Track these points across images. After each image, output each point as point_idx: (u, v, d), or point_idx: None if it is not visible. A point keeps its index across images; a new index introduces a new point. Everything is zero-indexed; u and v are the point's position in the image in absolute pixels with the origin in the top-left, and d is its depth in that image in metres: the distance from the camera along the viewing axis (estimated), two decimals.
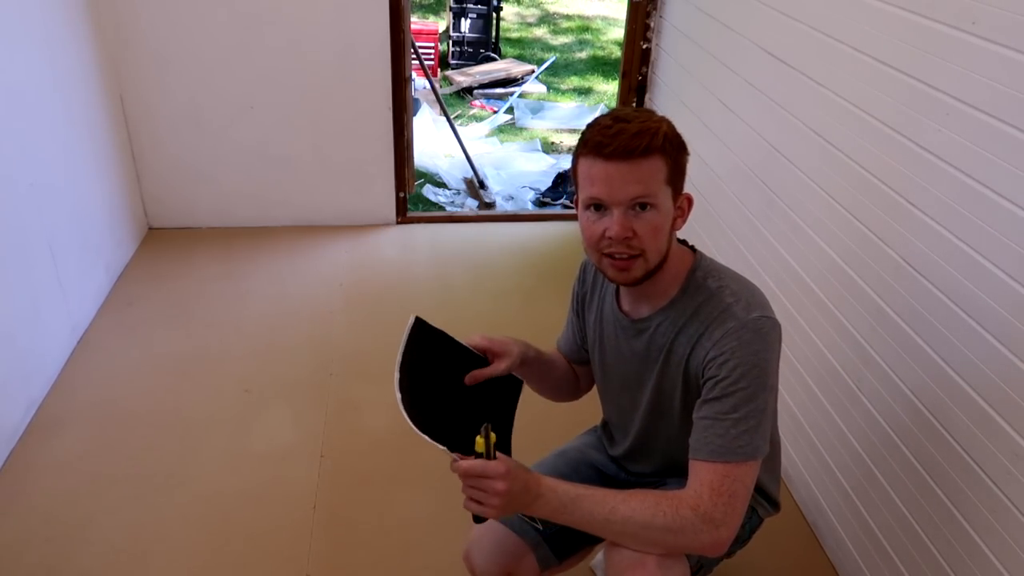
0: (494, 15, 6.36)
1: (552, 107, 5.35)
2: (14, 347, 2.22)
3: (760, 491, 1.41)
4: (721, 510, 1.10)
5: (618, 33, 7.21)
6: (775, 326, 1.17)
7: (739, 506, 1.12)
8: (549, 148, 4.71)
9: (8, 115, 2.25)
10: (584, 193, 1.16)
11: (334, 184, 3.43)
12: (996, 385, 1.36)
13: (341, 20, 3.10)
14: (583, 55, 6.98)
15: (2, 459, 2.12)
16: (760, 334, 1.14)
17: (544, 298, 3.01)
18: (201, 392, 2.44)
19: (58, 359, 2.50)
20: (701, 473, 1.13)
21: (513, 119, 5.14)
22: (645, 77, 3.43)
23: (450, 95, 5.60)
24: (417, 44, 4.08)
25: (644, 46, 3.37)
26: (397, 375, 1.19)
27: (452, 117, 4.34)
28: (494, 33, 6.40)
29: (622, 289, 1.32)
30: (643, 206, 1.13)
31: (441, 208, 3.84)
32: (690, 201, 1.22)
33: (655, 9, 3.28)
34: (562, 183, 3.99)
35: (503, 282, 3.13)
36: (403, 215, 3.56)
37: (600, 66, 6.62)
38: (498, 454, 1.10)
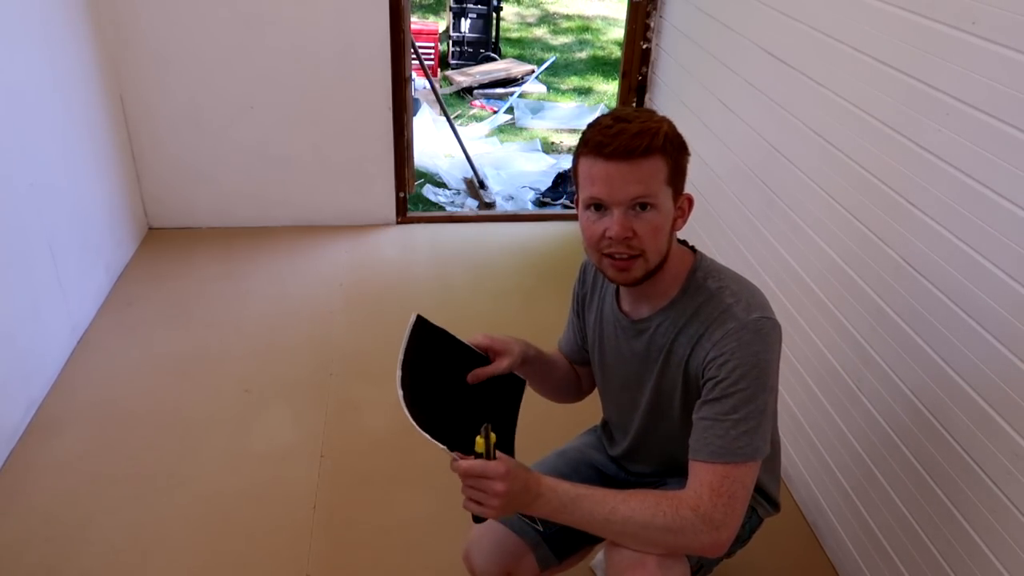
0: (494, 15, 6.36)
1: (552, 107, 5.35)
2: (14, 347, 2.22)
3: (760, 491, 1.41)
4: (721, 511, 1.10)
5: (618, 33, 7.21)
6: (775, 327, 1.17)
7: (739, 507, 1.12)
8: (549, 148, 4.71)
9: (8, 115, 2.25)
10: (584, 193, 1.16)
11: (334, 184, 3.43)
12: (996, 385, 1.36)
13: (341, 20, 3.10)
14: (583, 55, 6.98)
15: (2, 459, 2.12)
16: (760, 335, 1.14)
17: (544, 298, 3.01)
18: (201, 392, 2.44)
19: (58, 359, 2.50)
20: (701, 474, 1.13)
21: (513, 119, 5.14)
22: (645, 77, 3.43)
23: (450, 95, 5.60)
24: (417, 44, 4.08)
25: (644, 46, 3.37)
26: (399, 372, 1.19)
27: (452, 117, 4.34)
28: (494, 33, 6.40)
29: (622, 289, 1.32)
30: (643, 206, 1.13)
31: (441, 208, 3.84)
32: (690, 201, 1.22)
33: (655, 9, 3.28)
34: (562, 183, 3.99)
35: (503, 282, 3.13)
36: (403, 215, 3.56)
37: (600, 66, 6.62)
38: (498, 454, 1.10)
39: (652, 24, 3.31)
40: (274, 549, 1.91)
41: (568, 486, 1.14)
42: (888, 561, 1.68)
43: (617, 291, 1.34)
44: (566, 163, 4.30)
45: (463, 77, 5.73)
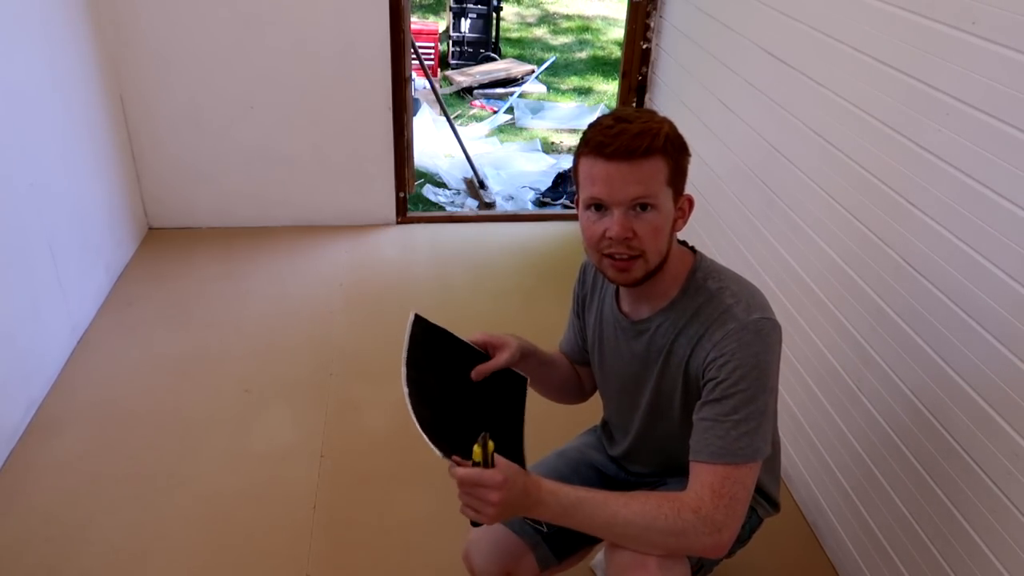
0: (494, 15, 6.36)
1: (552, 107, 5.35)
2: (14, 347, 2.22)
3: (760, 491, 1.41)
4: (722, 512, 1.10)
5: (618, 33, 7.21)
6: (775, 327, 1.17)
7: (740, 508, 1.12)
8: (549, 148, 4.71)
9: (8, 115, 2.25)
10: (585, 193, 1.16)
11: (334, 184, 3.43)
12: (996, 385, 1.36)
13: (341, 20, 3.10)
14: (583, 55, 6.98)
15: (2, 459, 2.12)
16: (760, 336, 1.14)
17: (544, 298, 3.01)
18: (201, 392, 2.44)
19: (58, 359, 2.50)
20: (702, 475, 1.13)
21: (513, 119, 5.14)
22: (645, 77, 3.43)
23: (450, 95, 5.60)
24: (417, 44, 4.08)
25: (644, 46, 3.37)
26: (404, 369, 1.19)
27: (452, 117, 4.34)
28: (494, 33, 6.40)
29: (622, 290, 1.32)
30: (644, 207, 1.13)
31: (441, 208, 3.84)
32: (691, 202, 1.22)
33: (655, 9, 3.28)
34: (562, 183, 3.99)
35: (503, 282, 3.13)
36: (403, 215, 3.56)
37: (600, 66, 6.62)
38: (498, 461, 1.09)
39: (652, 24, 3.31)
40: (274, 549, 1.91)
41: (569, 490, 1.13)
42: (888, 561, 1.68)
43: (617, 292, 1.34)
44: (566, 163, 4.30)
45: (463, 77, 5.73)
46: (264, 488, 2.08)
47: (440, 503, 2.03)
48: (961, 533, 1.45)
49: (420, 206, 3.83)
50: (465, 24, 6.27)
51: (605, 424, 1.55)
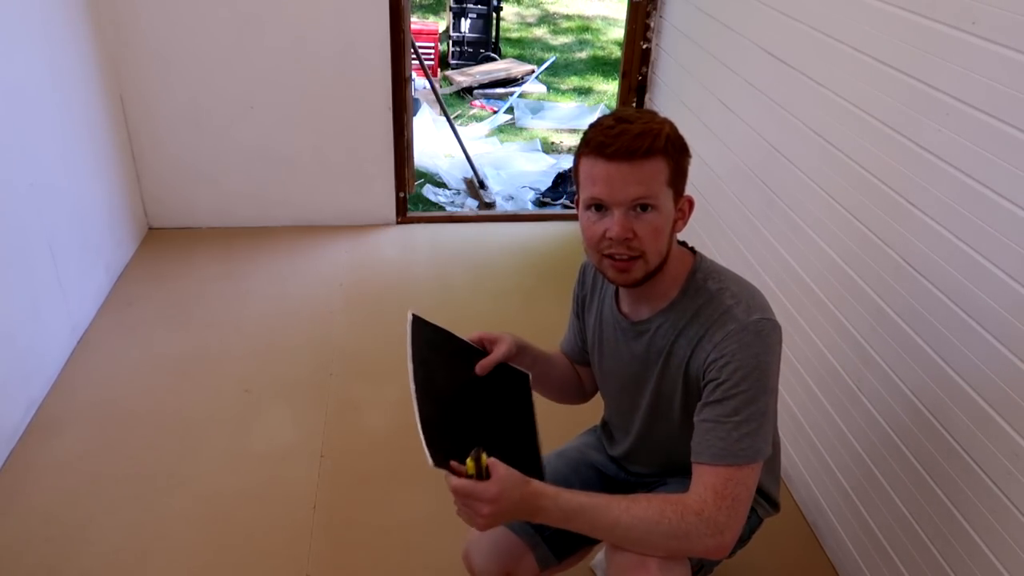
0: (494, 15, 6.36)
1: (552, 107, 5.35)
2: (14, 347, 2.22)
3: (760, 491, 1.41)
4: (725, 514, 1.10)
5: (618, 33, 7.21)
6: (775, 328, 1.17)
7: (742, 509, 1.12)
8: (549, 148, 4.71)
9: (8, 115, 2.25)
10: (585, 193, 1.16)
11: (334, 184, 3.43)
12: (996, 385, 1.36)
13: (341, 20, 3.10)
14: (583, 55, 6.98)
15: (2, 459, 2.12)
16: (761, 336, 1.14)
17: (544, 298, 3.01)
18: (201, 392, 2.44)
19: (58, 359, 2.50)
20: (704, 476, 1.13)
21: (513, 119, 5.14)
22: (645, 77, 3.43)
23: (450, 95, 5.60)
24: (417, 44, 4.08)
25: (644, 46, 3.37)
26: (410, 366, 1.19)
27: (452, 117, 4.34)
28: (494, 33, 6.40)
29: (621, 291, 1.32)
30: (644, 207, 1.13)
31: (441, 208, 3.84)
32: (691, 203, 1.22)
33: (655, 9, 3.28)
34: (562, 183, 3.99)
35: (503, 282, 3.13)
36: (403, 215, 3.56)
37: (600, 66, 6.62)
38: (495, 473, 1.09)
39: (652, 24, 3.31)
40: (274, 549, 1.91)
41: (570, 496, 1.13)
42: (888, 561, 1.68)
43: (616, 292, 1.34)
44: (566, 163, 4.30)
45: (463, 77, 5.73)
46: (264, 488, 2.09)
47: (440, 503, 2.02)
48: (961, 533, 1.45)
49: (420, 206, 3.83)
50: (465, 24, 6.27)
51: (605, 424, 1.55)
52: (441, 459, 1.11)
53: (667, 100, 3.24)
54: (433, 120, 4.64)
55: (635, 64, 3.41)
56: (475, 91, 5.63)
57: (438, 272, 3.23)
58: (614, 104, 4.19)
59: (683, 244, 1.29)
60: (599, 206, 1.15)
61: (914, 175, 1.59)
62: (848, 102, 1.83)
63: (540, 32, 7.69)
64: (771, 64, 2.23)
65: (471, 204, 3.88)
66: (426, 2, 8.20)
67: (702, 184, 2.75)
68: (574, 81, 6.20)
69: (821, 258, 1.96)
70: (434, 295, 3.04)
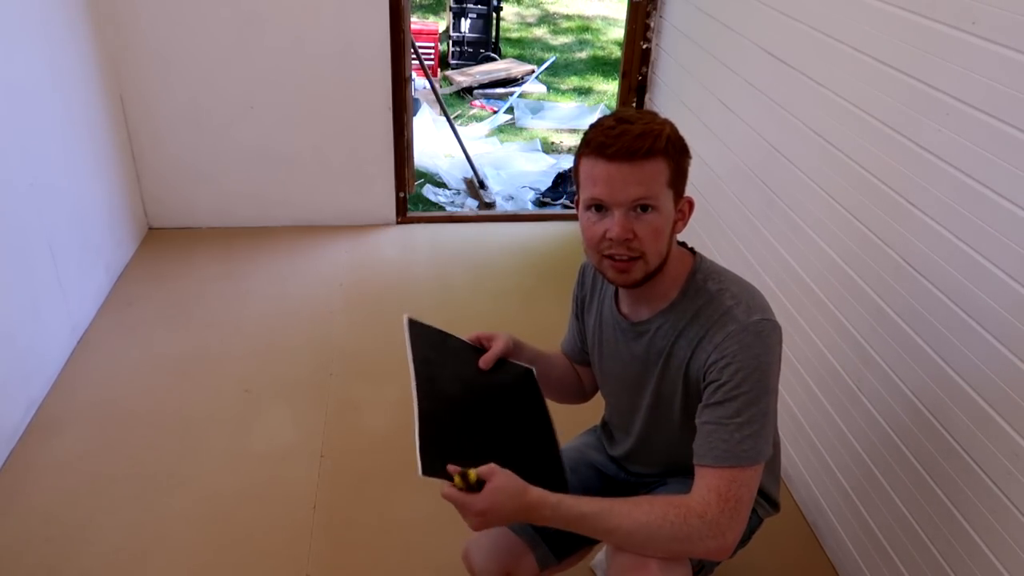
0: (494, 15, 6.36)
1: (552, 107, 5.35)
2: (14, 347, 2.22)
3: (760, 491, 1.41)
4: (727, 516, 1.10)
5: (618, 33, 7.21)
6: (776, 329, 1.17)
7: (744, 511, 1.12)
8: (549, 148, 4.71)
9: (8, 115, 2.25)
10: (585, 193, 1.16)
11: (334, 184, 3.43)
12: (996, 385, 1.36)
13: (341, 20, 3.10)
14: (583, 55, 6.98)
15: (2, 459, 2.12)
16: (761, 337, 1.14)
17: (544, 298, 3.01)
18: (201, 392, 2.44)
19: (58, 359, 2.50)
20: (707, 478, 1.13)
21: (513, 119, 5.14)
22: (645, 77, 3.43)
23: (450, 95, 5.60)
24: (417, 44, 4.08)
25: (644, 46, 3.37)
26: (411, 364, 1.20)
27: (452, 117, 4.34)
28: (494, 33, 6.40)
29: (621, 292, 1.32)
30: (644, 208, 1.13)
31: (441, 208, 3.84)
32: (691, 204, 1.22)
33: (655, 9, 3.28)
34: (562, 183, 3.99)
35: (503, 282, 3.14)
36: (403, 215, 3.56)
37: (600, 66, 6.62)
38: (488, 487, 1.10)
39: (652, 24, 3.31)
40: (274, 549, 1.91)
41: (571, 504, 1.13)
42: (888, 561, 1.68)
43: (616, 293, 1.34)
44: (566, 163, 4.30)
45: (463, 77, 5.73)
46: (264, 488, 2.09)
47: (440, 503, 2.01)
48: (961, 533, 1.45)
49: (420, 206, 3.83)
50: (465, 24, 6.27)
51: (605, 424, 1.55)
52: (437, 466, 1.11)
53: (667, 100, 3.24)
54: (433, 120, 4.64)
55: (635, 64, 3.41)
56: (475, 91, 5.63)
57: (438, 272, 3.23)
58: (614, 104, 4.19)
59: (683, 245, 1.29)
60: (599, 206, 1.15)
61: (914, 175, 1.59)
62: (848, 102, 1.83)
63: (540, 32, 7.69)
64: (771, 64, 2.23)
65: (471, 204, 3.88)
66: (426, 2, 8.20)
67: (702, 184, 2.75)
68: (574, 81, 6.20)
69: (821, 258, 1.96)
70: (434, 295, 3.04)
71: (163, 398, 2.40)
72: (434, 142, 4.43)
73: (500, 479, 1.11)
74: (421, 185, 3.98)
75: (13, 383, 2.21)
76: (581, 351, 1.49)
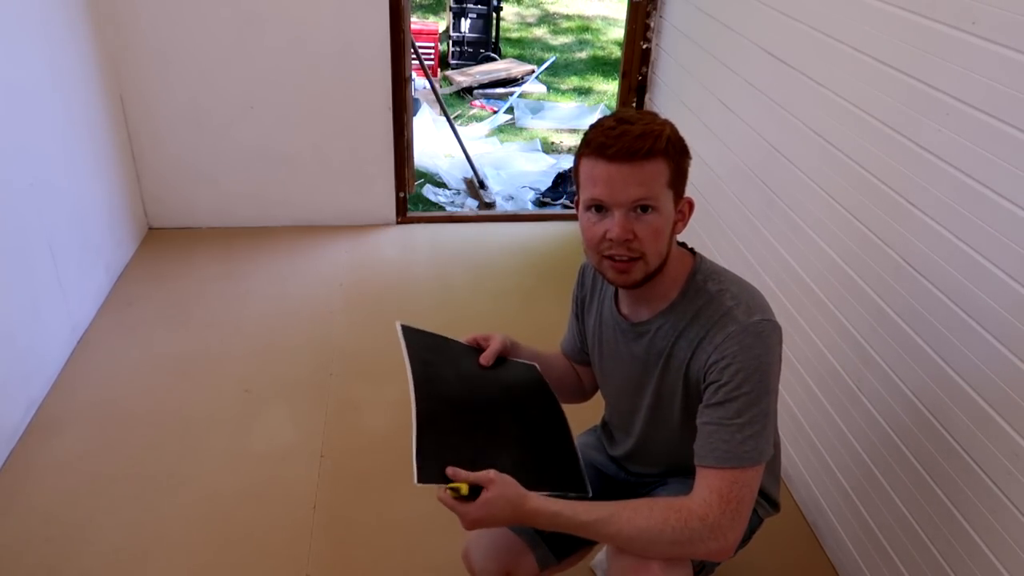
0: (494, 15, 6.36)
1: (552, 107, 5.35)
2: (14, 347, 2.22)
3: (760, 491, 1.41)
4: (729, 517, 1.10)
5: (618, 33, 7.21)
6: (776, 329, 1.17)
7: (746, 511, 1.12)
8: (549, 148, 4.71)
9: (8, 115, 2.25)
10: (585, 194, 1.16)
11: (334, 184, 3.43)
12: (996, 385, 1.36)
13: (341, 20, 3.10)
14: (583, 55, 6.98)
15: (2, 459, 2.12)
16: (761, 338, 1.14)
17: (544, 298, 3.01)
18: (201, 392, 2.44)
19: (58, 359, 2.50)
20: (708, 479, 1.13)
21: (513, 119, 5.14)
22: (645, 77, 3.43)
23: (450, 95, 5.60)
24: (417, 44, 4.08)
25: (644, 46, 3.37)
26: (408, 368, 1.20)
27: (452, 117, 4.34)
28: (494, 33, 6.40)
29: (621, 292, 1.32)
30: (644, 208, 1.13)
31: (441, 208, 3.84)
32: (691, 205, 1.22)
33: (655, 9, 3.28)
34: (562, 183, 3.99)
35: (503, 282, 3.14)
36: (403, 215, 3.56)
37: (600, 66, 6.62)
38: (484, 495, 1.11)
39: (652, 24, 3.31)
40: (274, 549, 1.91)
41: (570, 515, 1.13)
42: (888, 561, 1.68)
43: (616, 294, 1.33)
44: (566, 163, 4.30)
45: (463, 77, 5.73)
46: (264, 488, 2.09)
47: (439, 503, 2.02)
48: (961, 533, 1.45)
49: (420, 206, 3.83)
50: (465, 24, 6.27)
51: (605, 424, 1.55)
52: (434, 472, 1.12)
53: (667, 100, 3.24)
54: (433, 120, 4.64)
55: (635, 64, 3.41)
56: (475, 91, 5.63)
57: (438, 272, 3.23)
58: (614, 104, 4.19)
59: (683, 245, 1.29)
60: (599, 207, 1.15)
61: (914, 175, 1.59)
62: (848, 102, 1.83)
63: (540, 32, 7.69)
64: (771, 64, 2.23)
65: (471, 204, 3.88)
66: (426, 2, 8.20)
67: (702, 184, 2.75)
68: (574, 81, 6.20)
69: (821, 258, 1.96)
70: (434, 295, 3.04)
71: (163, 398, 2.40)
72: (434, 142, 4.43)
73: (496, 489, 1.11)
74: (421, 185, 3.98)
75: (13, 383, 2.21)
76: (581, 351, 1.49)
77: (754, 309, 1.17)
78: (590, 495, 1.23)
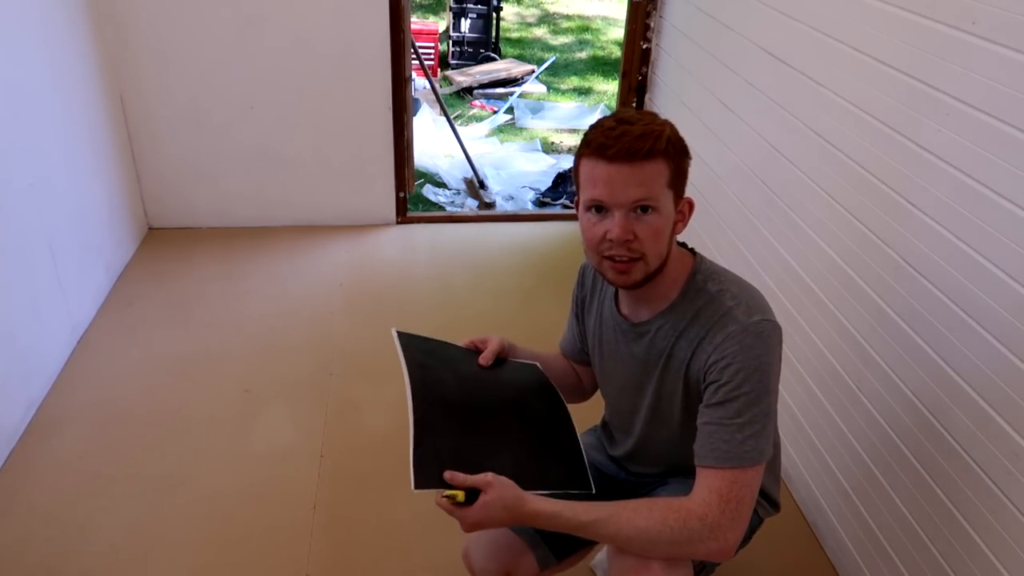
0: (494, 15, 6.36)
1: (552, 107, 5.35)
2: (14, 347, 2.22)
3: (761, 491, 1.41)
4: (729, 517, 1.10)
5: (618, 33, 7.21)
6: (776, 329, 1.17)
7: (746, 512, 1.12)
8: (549, 148, 4.71)
9: (8, 115, 2.25)
10: (585, 194, 1.16)
11: (334, 184, 3.43)
12: (996, 385, 1.36)
13: (341, 20, 3.10)
14: (583, 55, 6.98)
15: (2, 459, 2.12)
16: (761, 338, 1.14)
17: (544, 298, 3.01)
18: (201, 392, 2.44)
19: (58, 359, 2.50)
20: (709, 479, 1.13)
21: (513, 119, 5.14)
22: (645, 77, 3.43)
23: (450, 95, 5.60)
24: (417, 44, 4.08)
25: (644, 46, 3.37)
26: (406, 372, 1.20)
27: (452, 117, 4.34)
28: (494, 33, 6.40)
29: (621, 292, 1.32)
30: (644, 209, 1.13)
31: (441, 208, 3.84)
32: (691, 205, 1.22)
33: (655, 9, 3.28)
34: (562, 183, 3.99)
35: (503, 282, 3.14)
36: (403, 215, 3.56)
37: (600, 66, 6.62)
38: (483, 495, 1.11)
39: (652, 24, 3.31)
40: (274, 549, 1.91)
41: (569, 516, 1.13)
42: (888, 561, 1.68)
43: (616, 294, 1.33)
44: (566, 163, 4.30)
45: (463, 77, 5.73)
46: (264, 488, 2.09)
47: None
48: (961, 533, 1.45)
49: (420, 206, 3.83)
50: (465, 24, 6.27)
51: (605, 424, 1.55)
52: (432, 476, 1.12)
53: (667, 100, 3.24)
54: (433, 120, 4.64)
55: (635, 64, 3.41)
56: (475, 91, 5.63)
57: (438, 272, 3.23)
58: (614, 104, 4.19)
59: (683, 245, 1.29)
60: (599, 207, 1.15)
61: (914, 175, 1.59)
62: (848, 102, 1.83)
63: (540, 32, 7.69)
64: (771, 64, 2.23)
65: (471, 204, 3.88)
66: (426, 2, 8.20)
67: (702, 184, 2.75)
68: (574, 81, 6.20)
69: (821, 258, 1.96)
70: (434, 295, 3.04)
71: (163, 398, 2.40)
72: (434, 142, 4.43)
73: (494, 492, 1.12)
74: (421, 185, 3.98)
75: (13, 383, 2.21)
76: (581, 351, 1.49)
77: (754, 309, 1.17)
78: (594, 492, 1.23)
